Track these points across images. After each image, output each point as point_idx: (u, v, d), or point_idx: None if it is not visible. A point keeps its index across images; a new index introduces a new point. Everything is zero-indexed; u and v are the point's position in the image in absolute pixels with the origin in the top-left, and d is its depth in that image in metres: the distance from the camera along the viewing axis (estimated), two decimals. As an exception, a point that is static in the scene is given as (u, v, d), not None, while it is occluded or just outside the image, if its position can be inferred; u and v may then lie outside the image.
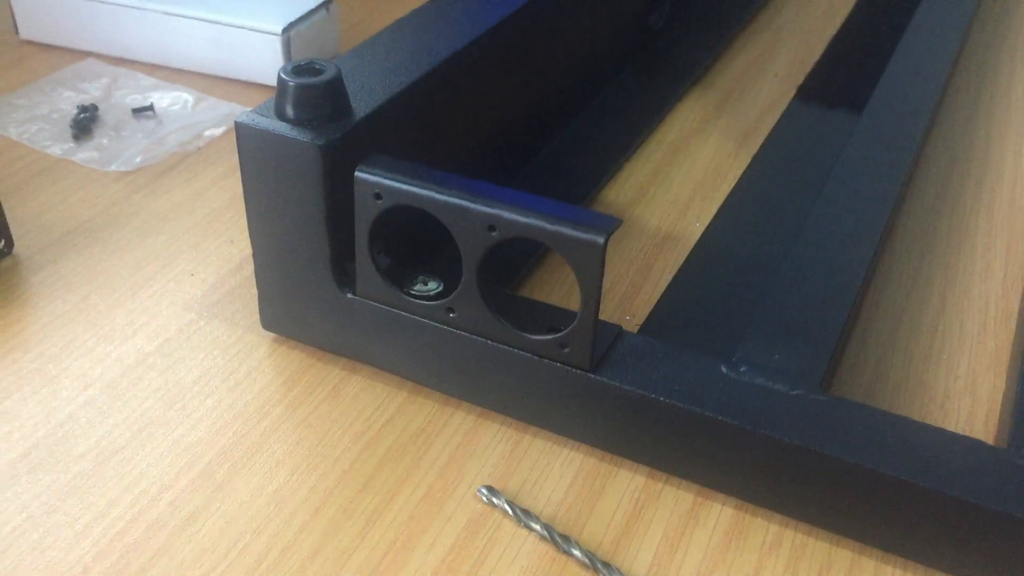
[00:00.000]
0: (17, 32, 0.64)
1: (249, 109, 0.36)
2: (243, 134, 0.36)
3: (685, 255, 0.46)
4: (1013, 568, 0.31)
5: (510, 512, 0.33)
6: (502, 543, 0.33)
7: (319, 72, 0.35)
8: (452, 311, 0.35)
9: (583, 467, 0.36)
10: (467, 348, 0.36)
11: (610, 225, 0.31)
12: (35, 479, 0.34)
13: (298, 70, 0.35)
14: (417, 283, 0.37)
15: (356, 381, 0.39)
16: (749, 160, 0.54)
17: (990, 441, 0.37)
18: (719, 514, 0.34)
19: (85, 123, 0.55)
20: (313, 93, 0.35)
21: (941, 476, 0.31)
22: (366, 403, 0.38)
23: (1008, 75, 0.64)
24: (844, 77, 0.62)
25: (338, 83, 0.35)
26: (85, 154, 0.53)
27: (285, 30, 0.58)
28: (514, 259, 0.44)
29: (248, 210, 0.37)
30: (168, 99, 0.59)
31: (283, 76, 0.35)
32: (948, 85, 0.60)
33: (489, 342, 0.35)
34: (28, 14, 0.63)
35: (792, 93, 0.61)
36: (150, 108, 0.57)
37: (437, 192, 0.33)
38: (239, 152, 0.36)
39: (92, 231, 0.47)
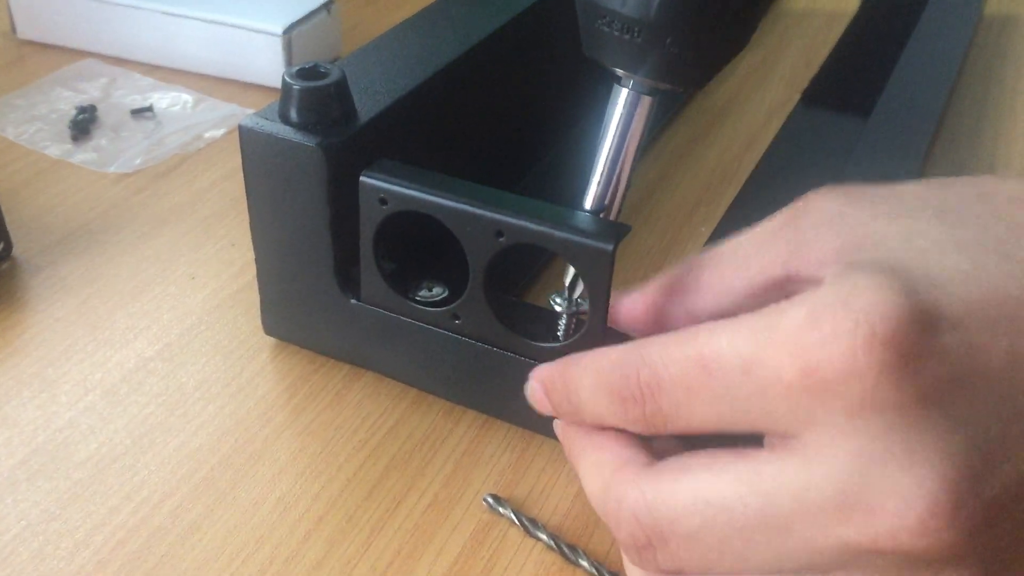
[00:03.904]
0: (15, 32, 0.64)
1: (249, 110, 0.35)
2: (247, 137, 0.35)
3: (690, 260, 0.46)
4: None
5: (516, 521, 0.33)
6: (508, 553, 0.32)
7: (323, 75, 0.35)
8: (457, 317, 0.35)
9: (589, 475, 0.35)
10: (472, 355, 0.35)
11: (619, 232, 0.31)
12: (35, 486, 0.34)
13: (302, 73, 0.35)
14: (422, 289, 0.37)
15: (359, 387, 0.38)
16: (755, 164, 0.53)
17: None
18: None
19: (84, 124, 0.55)
20: (318, 96, 0.34)
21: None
22: (370, 410, 0.37)
23: (1014, 79, 0.64)
24: (849, 81, 0.62)
25: (343, 86, 0.35)
26: (84, 155, 0.53)
27: (286, 31, 0.57)
28: (520, 264, 0.43)
29: (251, 214, 0.37)
30: (167, 100, 0.58)
31: (287, 79, 0.35)
32: (954, 89, 0.60)
33: (495, 349, 0.35)
34: (26, 14, 0.63)
35: (797, 97, 0.60)
36: (149, 109, 0.57)
37: (443, 197, 0.32)
38: (242, 156, 0.36)
39: (91, 233, 0.47)
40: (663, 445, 0.29)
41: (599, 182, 0.32)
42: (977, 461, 0.23)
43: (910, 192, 0.27)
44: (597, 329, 0.32)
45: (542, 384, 0.31)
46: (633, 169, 0.32)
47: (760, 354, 0.24)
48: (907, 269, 0.24)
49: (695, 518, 0.25)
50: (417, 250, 0.37)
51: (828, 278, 0.25)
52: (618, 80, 0.31)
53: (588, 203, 0.32)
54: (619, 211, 0.33)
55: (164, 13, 0.59)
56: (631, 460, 0.28)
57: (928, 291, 0.23)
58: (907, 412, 0.23)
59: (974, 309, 0.23)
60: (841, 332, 0.23)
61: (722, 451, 0.26)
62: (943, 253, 0.25)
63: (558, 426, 0.32)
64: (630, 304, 0.31)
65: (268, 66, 0.59)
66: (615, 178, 0.32)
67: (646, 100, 0.31)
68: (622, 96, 0.31)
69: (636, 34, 0.29)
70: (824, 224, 0.27)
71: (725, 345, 0.25)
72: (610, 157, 0.32)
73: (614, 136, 0.32)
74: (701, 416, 0.26)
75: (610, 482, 0.27)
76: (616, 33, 0.29)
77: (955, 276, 0.24)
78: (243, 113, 0.56)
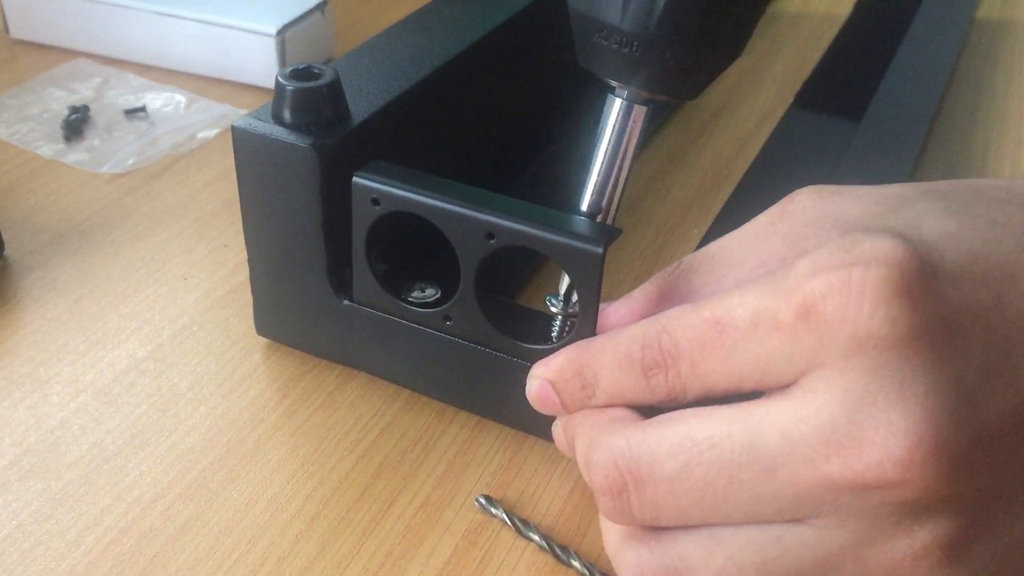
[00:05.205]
0: (8, 31, 0.64)
1: (242, 111, 0.35)
2: (240, 138, 0.35)
3: (683, 262, 0.46)
4: None
5: (508, 522, 0.33)
6: (500, 554, 0.32)
7: (317, 76, 0.35)
8: (448, 319, 0.35)
9: (582, 477, 0.35)
10: (464, 356, 0.35)
11: (609, 235, 0.31)
12: (26, 486, 0.34)
13: (296, 74, 0.35)
14: (414, 290, 0.37)
15: (352, 388, 0.38)
16: (747, 167, 0.53)
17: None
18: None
19: (76, 124, 0.55)
20: (311, 97, 0.34)
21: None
22: (362, 411, 0.37)
23: (1006, 83, 0.64)
24: (842, 84, 0.62)
25: (336, 87, 0.35)
26: (76, 155, 0.53)
27: (280, 32, 0.57)
28: (512, 266, 0.43)
29: (244, 215, 0.37)
30: (160, 100, 0.58)
31: (281, 80, 0.35)
32: (946, 93, 0.60)
33: (486, 350, 0.35)
34: (19, 13, 0.63)
35: (790, 100, 0.61)
36: (142, 109, 0.57)
37: (435, 199, 0.32)
38: (235, 156, 0.36)
39: (84, 234, 0.47)
40: None
41: (594, 190, 0.32)
42: (961, 401, 0.23)
43: (892, 188, 0.28)
44: (587, 332, 0.32)
45: (550, 379, 0.31)
46: (628, 176, 0.32)
47: (767, 304, 0.25)
48: (902, 231, 0.25)
49: (678, 457, 0.26)
50: (410, 251, 0.37)
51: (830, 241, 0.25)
52: (612, 90, 0.31)
53: (583, 208, 0.33)
54: (614, 218, 0.33)
55: (157, 13, 0.59)
56: (622, 417, 0.28)
57: (922, 247, 0.24)
58: (900, 349, 0.23)
59: (964, 265, 0.24)
60: (838, 271, 0.24)
61: (712, 405, 0.26)
62: (933, 219, 0.26)
63: (556, 425, 0.32)
64: (616, 314, 0.31)
65: (261, 67, 0.59)
66: (610, 186, 0.32)
67: (641, 110, 0.31)
68: (616, 106, 0.31)
69: (634, 48, 0.29)
70: (818, 218, 0.28)
71: (736, 303, 0.26)
72: (605, 165, 0.32)
73: (608, 145, 0.32)
74: (716, 374, 0.26)
75: (597, 435, 0.28)
76: (614, 47, 0.29)
77: (946, 237, 0.25)
78: (236, 114, 0.56)
